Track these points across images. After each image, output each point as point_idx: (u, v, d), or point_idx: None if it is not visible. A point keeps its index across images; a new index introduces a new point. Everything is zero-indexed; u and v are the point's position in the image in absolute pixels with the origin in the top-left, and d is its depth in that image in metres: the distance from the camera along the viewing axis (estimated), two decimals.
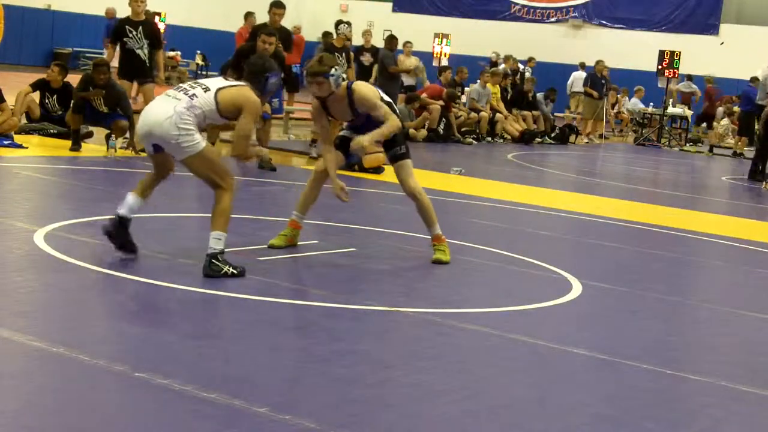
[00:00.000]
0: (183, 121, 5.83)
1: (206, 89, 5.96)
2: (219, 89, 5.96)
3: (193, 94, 5.92)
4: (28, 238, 6.45)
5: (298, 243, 7.03)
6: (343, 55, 13.91)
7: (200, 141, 5.91)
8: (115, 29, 12.01)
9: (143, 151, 11.87)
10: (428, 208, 7.07)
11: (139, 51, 11.83)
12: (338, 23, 14.37)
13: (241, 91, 6.01)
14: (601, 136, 23.43)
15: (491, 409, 4.23)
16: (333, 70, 6.67)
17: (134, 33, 11.81)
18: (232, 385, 4.10)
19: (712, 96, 23.59)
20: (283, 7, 12.47)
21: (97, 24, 27.45)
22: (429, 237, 7.13)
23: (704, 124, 26.15)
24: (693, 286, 7.99)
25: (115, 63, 12.16)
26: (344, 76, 6.89)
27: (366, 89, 6.87)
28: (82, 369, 4.16)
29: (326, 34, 17.70)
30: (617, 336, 5.72)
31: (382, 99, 6.91)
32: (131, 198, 6.13)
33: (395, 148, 7.05)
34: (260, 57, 6.48)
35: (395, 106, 7.18)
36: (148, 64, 11.89)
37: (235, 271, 5.89)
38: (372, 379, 4.48)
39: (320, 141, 7.12)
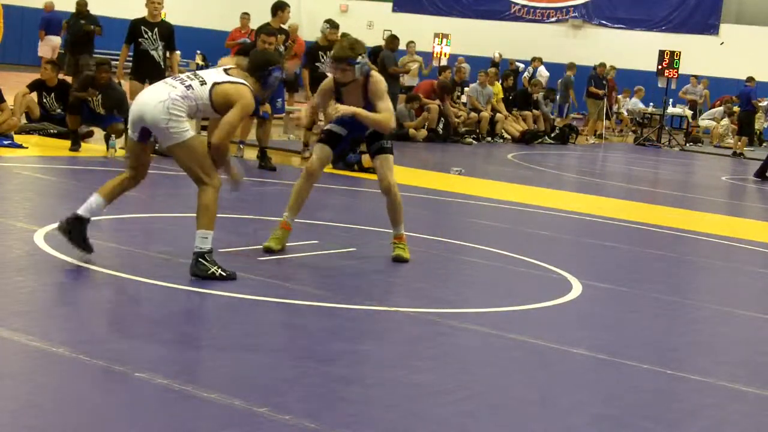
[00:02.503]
0: (175, 107, 5.77)
1: (203, 82, 5.89)
2: (215, 84, 5.88)
3: (190, 85, 5.87)
4: (28, 238, 6.45)
5: (299, 243, 7.01)
6: (327, 53, 13.94)
7: (189, 130, 5.84)
8: (130, 29, 11.99)
9: None
10: (399, 206, 6.93)
11: (153, 52, 11.82)
12: (324, 22, 14.42)
13: (237, 87, 5.90)
14: (600, 135, 23.43)
15: (491, 409, 4.23)
16: (360, 57, 6.52)
17: (150, 34, 11.80)
18: (232, 385, 4.10)
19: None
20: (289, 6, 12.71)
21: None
22: (427, 238, 7.09)
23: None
24: (693, 286, 7.99)
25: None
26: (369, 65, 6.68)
27: (382, 80, 6.74)
28: (82, 369, 4.16)
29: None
30: (617, 336, 5.72)
31: None
32: (94, 198, 6.00)
33: (381, 140, 6.85)
34: (262, 51, 6.41)
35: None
36: (162, 66, 11.89)
37: (223, 273, 5.79)
38: (372, 379, 4.48)
39: (306, 111, 7.00)
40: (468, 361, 4.93)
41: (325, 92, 6.87)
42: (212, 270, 5.77)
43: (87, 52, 17.88)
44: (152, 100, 5.82)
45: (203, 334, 4.96)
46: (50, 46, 20.97)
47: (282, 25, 12.84)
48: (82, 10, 18.48)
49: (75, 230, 5.94)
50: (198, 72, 6.10)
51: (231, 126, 5.90)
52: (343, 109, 6.59)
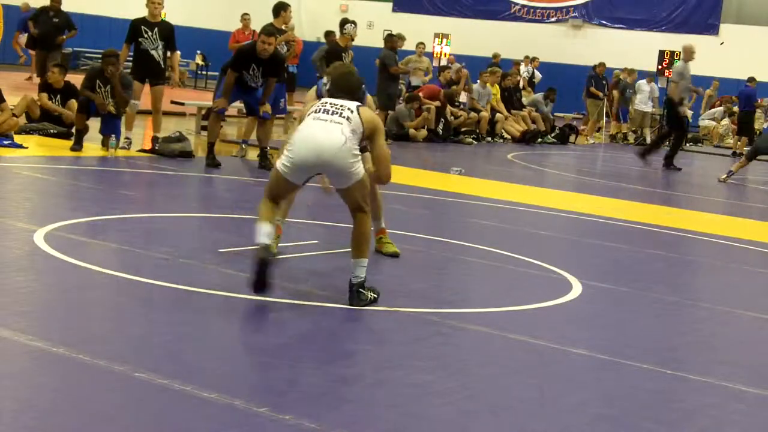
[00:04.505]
0: (355, 147, 5.52)
1: (350, 110, 5.60)
2: (358, 107, 5.65)
3: (348, 117, 5.56)
4: (28, 238, 6.45)
5: (299, 243, 7.02)
6: (347, 54, 13.95)
7: (362, 166, 5.61)
8: (131, 29, 11.99)
9: (143, 151, 11.96)
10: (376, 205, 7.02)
11: (153, 52, 11.82)
12: (344, 22, 14.42)
13: (369, 111, 5.76)
14: (599, 130, 23.46)
15: (491, 409, 4.23)
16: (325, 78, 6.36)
17: (150, 34, 11.80)
18: (232, 385, 4.10)
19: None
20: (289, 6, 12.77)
21: (98, 24, 27.42)
22: (427, 238, 7.08)
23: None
24: (693, 286, 7.99)
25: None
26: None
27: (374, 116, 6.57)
28: (82, 369, 4.16)
29: (328, 33, 17.72)
30: (617, 336, 5.72)
31: None
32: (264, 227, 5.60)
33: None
34: (348, 76, 5.96)
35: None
36: (162, 66, 11.89)
37: (375, 296, 5.67)
38: (372, 379, 4.48)
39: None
40: (468, 361, 4.94)
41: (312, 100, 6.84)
42: (369, 297, 5.64)
43: (56, 49, 17.78)
44: (333, 145, 5.47)
45: (203, 334, 4.96)
46: None
47: (285, 25, 12.88)
48: (54, 6, 18.26)
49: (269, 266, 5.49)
50: (325, 101, 5.71)
51: (388, 157, 5.84)
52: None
